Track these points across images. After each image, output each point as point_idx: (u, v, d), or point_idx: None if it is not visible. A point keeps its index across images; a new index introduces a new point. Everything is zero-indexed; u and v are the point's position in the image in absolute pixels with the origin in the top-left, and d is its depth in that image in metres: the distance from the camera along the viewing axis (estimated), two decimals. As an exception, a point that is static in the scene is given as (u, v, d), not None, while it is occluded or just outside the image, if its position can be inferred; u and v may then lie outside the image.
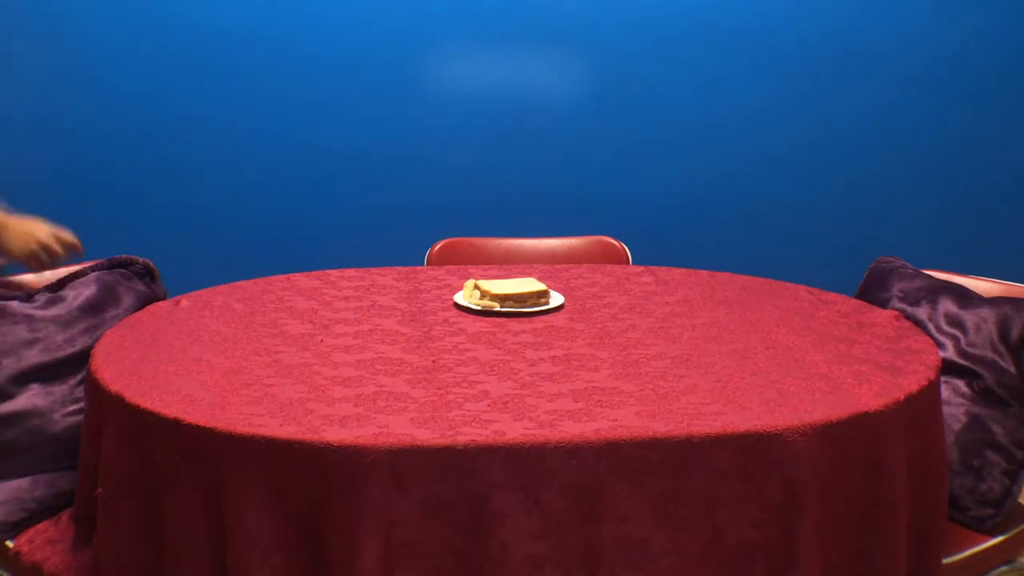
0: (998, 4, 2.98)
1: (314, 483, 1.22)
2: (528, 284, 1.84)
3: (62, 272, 1.85)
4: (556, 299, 1.84)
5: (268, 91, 2.92)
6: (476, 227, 2.63)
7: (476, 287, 1.83)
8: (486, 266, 2.18)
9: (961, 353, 1.73)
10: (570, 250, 2.48)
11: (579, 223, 2.70)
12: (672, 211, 3.00)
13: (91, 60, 2.83)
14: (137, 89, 2.86)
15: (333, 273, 2.04)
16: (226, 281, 1.96)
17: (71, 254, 1.96)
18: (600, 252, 2.45)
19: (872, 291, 1.94)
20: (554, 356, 1.54)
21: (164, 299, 1.86)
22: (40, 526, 1.59)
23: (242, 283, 1.95)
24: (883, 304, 1.87)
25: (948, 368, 1.69)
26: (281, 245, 2.97)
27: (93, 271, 1.83)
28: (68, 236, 1.96)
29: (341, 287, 1.93)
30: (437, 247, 2.39)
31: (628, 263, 2.41)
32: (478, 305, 1.79)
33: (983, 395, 1.69)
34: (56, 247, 1.93)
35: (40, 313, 1.70)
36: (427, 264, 2.35)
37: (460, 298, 1.83)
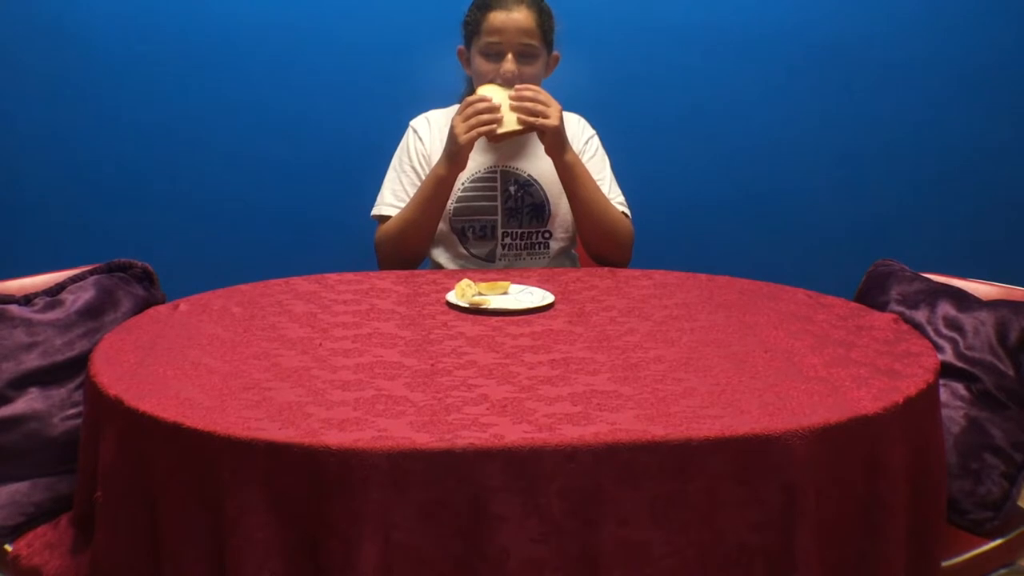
0: (999, 7, 2.98)
1: (313, 487, 1.22)
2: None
3: (60, 276, 1.85)
4: (546, 296, 1.85)
5: (268, 93, 2.92)
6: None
7: (469, 285, 1.84)
8: (485, 270, 2.18)
9: (960, 356, 1.73)
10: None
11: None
12: (670, 214, 3.00)
13: (90, 60, 2.83)
14: (137, 90, 2.86)
15: (332, 277, 2.04)
16: (225, 285, 1.95)
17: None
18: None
19: (871, 294, 1.94)
20: (552, 359, 1.54)
21: (163, 303, 1.86)
22: (39, 530, 1.59)
23: (241, 287, 1.95)
24: (882, 307, 1.87)
25: (947, 371, 1.69)
26: (280, 249, 2.97)
27: (92, 275, 1.83)
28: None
29: (340, 291, 1.93)
30: None
31: None
32: (468, 303, 1.79)
33: (982, 398, 1.70)
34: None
35: (39, 317, 1.70)
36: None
37: (452, 296, 1.83)
